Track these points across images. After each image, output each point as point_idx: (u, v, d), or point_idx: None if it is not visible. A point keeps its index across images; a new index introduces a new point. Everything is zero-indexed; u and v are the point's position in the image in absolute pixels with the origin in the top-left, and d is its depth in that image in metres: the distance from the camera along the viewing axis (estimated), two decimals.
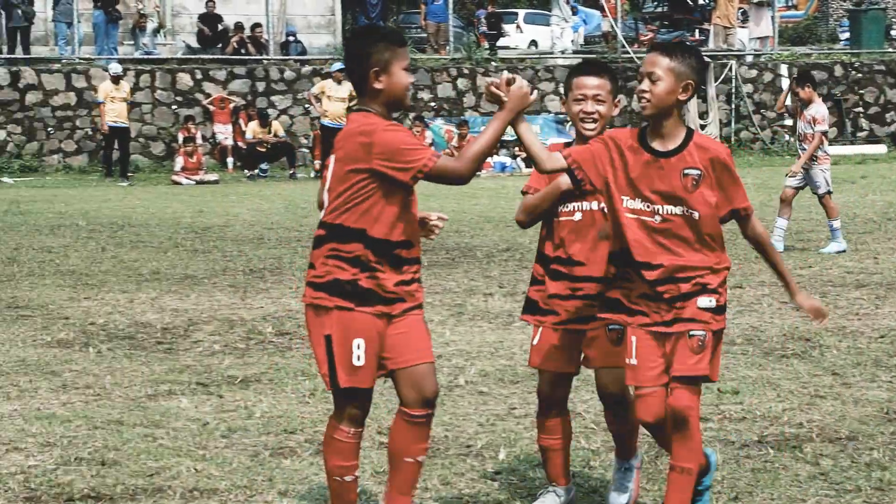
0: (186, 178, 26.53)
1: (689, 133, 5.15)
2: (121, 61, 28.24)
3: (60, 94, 28.21)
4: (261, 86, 29.72)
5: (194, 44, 31.75)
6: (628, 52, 32.47)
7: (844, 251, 14.01)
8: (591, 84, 5.50)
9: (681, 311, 5.08)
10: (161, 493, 5.93)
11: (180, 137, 27.73)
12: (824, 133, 14.21)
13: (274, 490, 5.97)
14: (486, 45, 33.17)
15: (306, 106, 28.99)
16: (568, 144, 5.49)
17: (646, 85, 5.09)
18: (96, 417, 7.29)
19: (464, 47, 32.33)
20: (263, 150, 28.30)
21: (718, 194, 5.10)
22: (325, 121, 27.16)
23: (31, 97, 28.00)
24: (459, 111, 30.46)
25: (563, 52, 33.07)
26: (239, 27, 30.96)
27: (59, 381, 8.26)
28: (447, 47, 32.58)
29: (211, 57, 30.38)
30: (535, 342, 5.62)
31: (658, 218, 5.10)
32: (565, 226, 5.51)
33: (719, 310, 5.11)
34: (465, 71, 30.89)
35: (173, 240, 16.01)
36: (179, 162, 27.06)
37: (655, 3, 41.44)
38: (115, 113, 26.29)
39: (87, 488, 6.01)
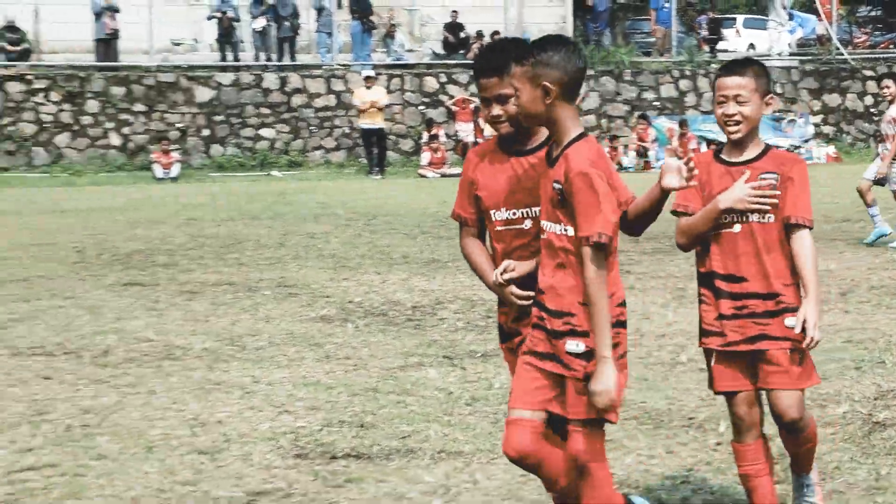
0: (432, 171, 26.90)
1: (576, 137, 4.22)
2: (374, 67, 28.82)
3: (322, 97, 28.95)
4: None
5: (440, 50, 32.17)
6: (842, 55, 31.54)
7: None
8: (731, 84, 4.58)
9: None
10: (413, 454, 6.05)
11: (426, 136, 28.13)
12: None
13: None
14: (706, 48, 32.63)
15: None
16: (719, 149, 4.73)
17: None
18: (355, 385, 7.47)
19: (686, 51, 31.89)
20: None
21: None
22: None
23: (296, 100, 28.82)
24: (681, 110, 30.10)
25: (779, 55, 32.30)
26: (479, 34, 31.21)
27: (322, 352, 8.49)
28: (671, 51, 32.24)
29: (454, 62, 30.72)
30: (713, 365, 4.71)
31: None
32: (724, 239, 4.61)
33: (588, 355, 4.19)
34: (687, 73, 30.48)
35: (420, 227, 16.25)
36: (426, 157, 27.45)
37: (870, 7, 40.02)
38: (368, 117, 26.81)
39: (348, 448, 6.17)
